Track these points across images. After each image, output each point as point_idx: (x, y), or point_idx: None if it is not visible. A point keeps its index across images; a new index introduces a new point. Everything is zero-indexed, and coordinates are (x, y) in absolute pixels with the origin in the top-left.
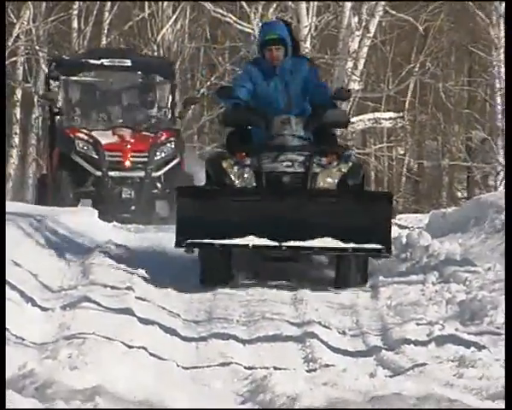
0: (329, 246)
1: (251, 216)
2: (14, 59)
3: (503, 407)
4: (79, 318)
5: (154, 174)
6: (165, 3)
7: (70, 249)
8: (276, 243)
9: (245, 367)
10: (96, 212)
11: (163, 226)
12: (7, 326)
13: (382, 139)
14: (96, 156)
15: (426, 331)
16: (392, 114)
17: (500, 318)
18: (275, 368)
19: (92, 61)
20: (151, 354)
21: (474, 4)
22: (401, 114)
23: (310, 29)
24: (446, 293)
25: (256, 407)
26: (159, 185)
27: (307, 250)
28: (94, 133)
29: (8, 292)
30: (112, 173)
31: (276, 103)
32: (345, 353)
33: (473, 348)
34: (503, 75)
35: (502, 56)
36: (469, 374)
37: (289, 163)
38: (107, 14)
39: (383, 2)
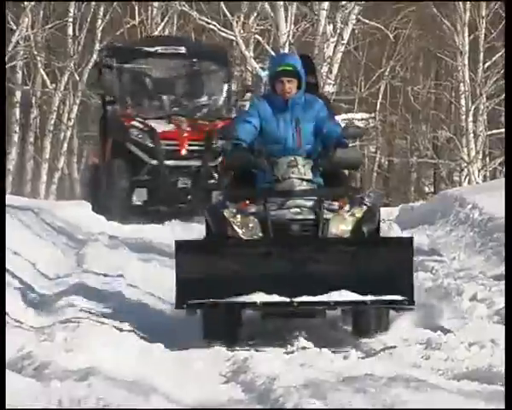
0: (346, 300)
1: (258, 270)
2: (13, 63)
3: (468, 386)
4: (73, 302)
5: (211, 163)
6: (155, 11)
7: (65, 240)
8: (288, 299)
9: (227, 349)
10: (90, 205)
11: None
12: (7, 310)
13: (355, 138)
14: (152, 145)
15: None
16: (364, 115)
17: (464, 304)
18: (255, 350)
19: (146, 49)
20: (140, 337)
21: (441, 13)
22: (373, 115)
23: (288, 36)
24: (415, 281)
25: (238, 386)
26: (216, 175)
27: (322, 305)
28: (149, 121)
29: (9, 279)
30: (168, 162)
31: (284, 142)
32: (320, 337)
33: (439, 332)
34: (467, 79)
35: (466, 61)
36: (436, 356)
37: (298, 209)
38: (99, 21)
39: (356, 11)
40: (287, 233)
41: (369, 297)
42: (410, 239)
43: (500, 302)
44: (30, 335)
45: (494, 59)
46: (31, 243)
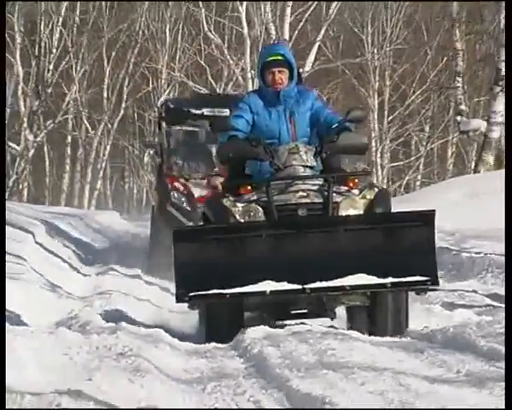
0: (363, 283)
1: (265, 256)
2: (66, 116)
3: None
4: (107, 281)
5: None
6: (163, 81)
7: (101, 237)
8: (299, 286)
9: None
10: (118, 213)
11: None
12: (61, 285)
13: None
14: (189, 208)
15: None
16: None
17: None
18: None
19: (194, 111)
20: (153, 304)
21: (358, 83)
22: None
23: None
24: None
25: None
26: None
27: (337, 291)
28: (189, 183)
29: (61, 264)
30: None
31: (278, 135)
32: None
33: None
34: (376, 128)
35: (376, 116)
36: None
37: (303, 193)
38: (125, 87)
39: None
40: (293, 218)
41: (389, 279)
42: (433, 212)
43: None
44: (76, 302)
45: (395, 114)
46: (77, 239)
